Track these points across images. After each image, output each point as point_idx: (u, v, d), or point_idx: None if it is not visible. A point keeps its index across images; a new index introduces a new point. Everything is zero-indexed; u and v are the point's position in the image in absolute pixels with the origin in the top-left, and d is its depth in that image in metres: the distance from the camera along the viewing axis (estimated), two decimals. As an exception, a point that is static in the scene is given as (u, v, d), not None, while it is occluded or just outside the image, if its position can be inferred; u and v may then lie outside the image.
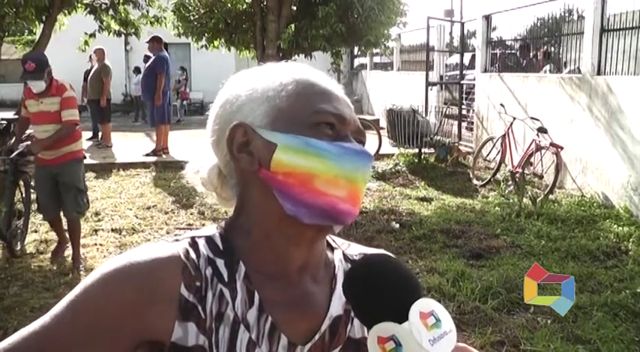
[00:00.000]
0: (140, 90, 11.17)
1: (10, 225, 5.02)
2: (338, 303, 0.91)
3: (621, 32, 7.00)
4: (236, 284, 0.85)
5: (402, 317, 0.71)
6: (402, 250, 5.26)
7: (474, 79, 10.57)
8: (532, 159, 7.55)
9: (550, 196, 6.98)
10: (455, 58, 13.34)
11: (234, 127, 0.87)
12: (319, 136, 0.84)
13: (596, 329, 3.72)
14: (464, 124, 10.91)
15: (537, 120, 7.69)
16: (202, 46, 8.68)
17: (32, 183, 5.24)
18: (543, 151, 7.38)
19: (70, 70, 12.00)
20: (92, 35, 8.94)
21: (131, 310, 0.81)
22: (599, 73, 7.20)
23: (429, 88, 10.85)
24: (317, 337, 0.87)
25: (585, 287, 4.40)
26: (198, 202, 6.59)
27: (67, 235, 5.04)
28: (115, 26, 8.64)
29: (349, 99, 0.92)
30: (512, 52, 10.30)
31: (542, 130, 7.49)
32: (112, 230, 5.89)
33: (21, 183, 5.19)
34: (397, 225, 6.00)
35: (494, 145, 8.67)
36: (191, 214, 6.48)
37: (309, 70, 0.92)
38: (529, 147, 7.63)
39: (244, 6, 8.20)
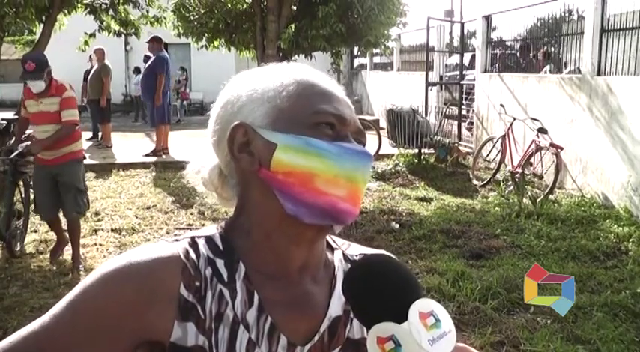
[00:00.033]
0: (140, 90, 11.18)
1: (9, 225, 5.02)
2: (337, 304, 0.91)
3: (621, 32, 7.00)
4: (235, 284, 0.85)
5: (401, 317, 0.71)
6: (402, 250, 5.25)
7: (474, 80, 10.57)
8: (532, 160, 7.54)
9: (550, 196, 6.97)
10: (455, 59, 13.34)
11: (235, 127, 0.88)
12: (319, 136, 0.84)
13: (596, 330, 3.72)
14: (464, 124, 10.91)
15: (537, 120, 7.68)
16: (202, 47, 8.70)
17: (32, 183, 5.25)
18: (543, 151, 7.38)
19: (70, 70, 12.00)
20: (92, 35, 8.94)
21: (131, 310, 0.81)
22: (599, 74, 7.20)
23: (429, 88, 10.83)
24: (316, 337, 0.87)
25: (585, 287, 4.40)
26: (198, 202, 6.60)
27: (67, 235, 5.04)
28: (115, 26, 8.64)
29: (349, 99, 0.93)
30: (512, 52, 10.28)
31: (542, 131, 7.48)
32: (112, 230, 5.89)
33: (20, 183, 5.18)
34: (397, 226, 6.00)
35: (494, 145, 8.67)
36: (191, 214, 6.48)
37: (310, 70, 0.92)
38: (529, 147, 7.62)
39: (244, 6, 8.20)
